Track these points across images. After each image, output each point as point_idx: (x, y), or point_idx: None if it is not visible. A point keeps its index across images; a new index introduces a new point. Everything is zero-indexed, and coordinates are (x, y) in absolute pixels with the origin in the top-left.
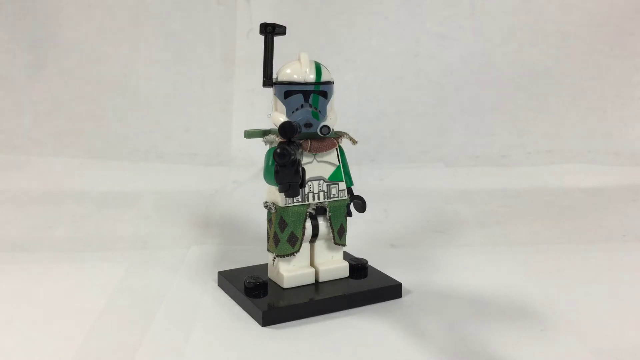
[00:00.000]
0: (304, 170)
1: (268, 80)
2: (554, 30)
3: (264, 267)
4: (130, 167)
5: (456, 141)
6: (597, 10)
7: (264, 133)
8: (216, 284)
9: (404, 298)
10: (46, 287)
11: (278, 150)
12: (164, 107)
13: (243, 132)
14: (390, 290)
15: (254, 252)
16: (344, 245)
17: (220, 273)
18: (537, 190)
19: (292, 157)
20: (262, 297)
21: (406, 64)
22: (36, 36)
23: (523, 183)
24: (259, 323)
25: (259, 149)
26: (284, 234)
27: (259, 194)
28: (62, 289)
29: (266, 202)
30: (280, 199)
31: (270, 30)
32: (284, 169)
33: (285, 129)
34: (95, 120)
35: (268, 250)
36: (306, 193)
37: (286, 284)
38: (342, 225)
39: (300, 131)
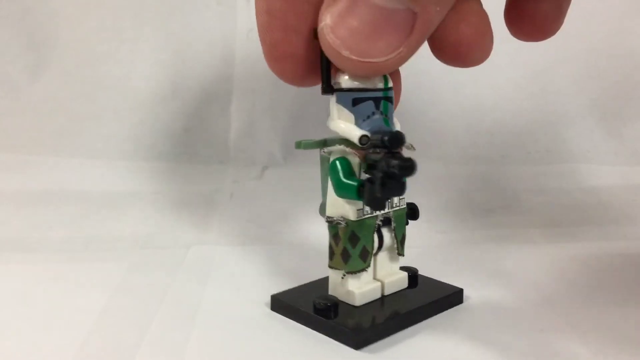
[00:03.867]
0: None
1: (328, 87)
2: None
3: (318, 283)
4: (130, 167)
5: (456, 141)
6: (597, 10)
7: (320, 144)
8: (218, 288)
9: (465, 303)
10: (46, 287)
11: (407, 164)
12: (164, 107)
13: (295, 143)
14: (454, 297)
15: (254, 252)
16: (404, 255)
17: (274, 296)
18: (537, 190)
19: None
20: (333, 318)
21: (406, 64)
22: (36, 36)
23: (523, 183)
24: (350, 345)
25: (259, 149)
26: (356, 249)
27: (259, 194)
28: (62, 289)
29: (331, 217)
30: (352, 212)
31: None
32: (395, 183)
33: (396, 140)
34: (95, 120)
35: (332, 267)
36: None
37: (358, 301)
38: (403, 234)
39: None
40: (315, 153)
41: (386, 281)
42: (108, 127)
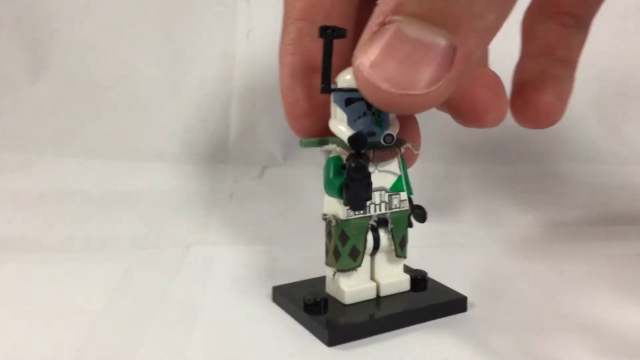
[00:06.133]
0: (371, 183)
1: (327, 87)
2: None
3: (321, 280)
4: (130, 167)
5: (456, 141)
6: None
7: (321, 142)
8: (218, 288)
9: (469, 312)
10: (46, 287)
11: (354, 165)
12: (164, 107)
13: (299, 141)
14: (455, 304)
15: (254, 252)
16: (405, 257)
17: (275, 288)
18: (537, 190)
19: (367, 171)
20: (322, 315)
21: None
22: (36, 36)
23: (524, 183)
24: (325, 343)
25: (259, 149)
26: (346, 247)
27: (259, 194)
28: (62, 289)
29: (325, 215)
30: (341, 211)
31: (330, 34)
32: (356, 183)
33: (357, 141)
34: (95, 120)
35: (327, 264)
36: (368, 204)
37: (347, 299)
38: (403, 237)
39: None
40: (316, 153)
41: (382, 282)
42: (108, 127)
